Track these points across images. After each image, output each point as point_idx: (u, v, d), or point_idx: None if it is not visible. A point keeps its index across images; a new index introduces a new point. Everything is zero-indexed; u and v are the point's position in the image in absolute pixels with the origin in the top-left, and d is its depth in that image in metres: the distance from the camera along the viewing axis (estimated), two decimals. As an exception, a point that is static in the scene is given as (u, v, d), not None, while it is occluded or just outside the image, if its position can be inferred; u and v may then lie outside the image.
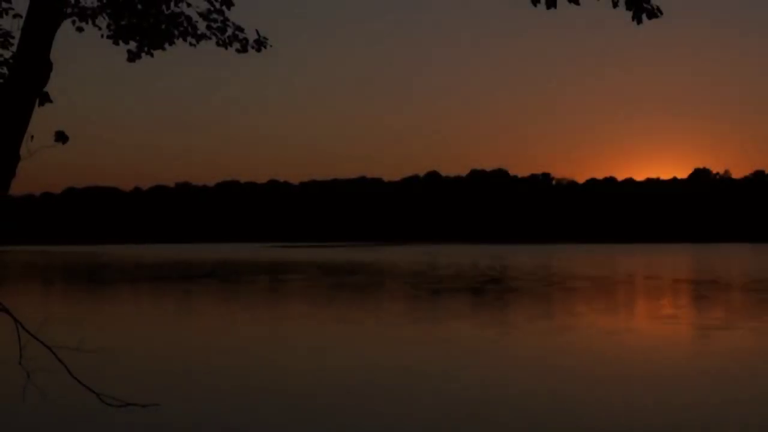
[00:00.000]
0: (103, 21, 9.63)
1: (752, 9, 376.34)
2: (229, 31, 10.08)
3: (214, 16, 9.93)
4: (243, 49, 10.17)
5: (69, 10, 9.57)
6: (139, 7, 9.33)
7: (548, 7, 7.98)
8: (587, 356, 22.76)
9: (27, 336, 7.54)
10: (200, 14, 9.86)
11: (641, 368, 20.73)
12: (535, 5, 7.98)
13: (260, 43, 10.24)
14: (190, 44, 9.99)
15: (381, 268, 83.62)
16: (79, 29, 9.73)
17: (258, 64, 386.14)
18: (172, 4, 9.62)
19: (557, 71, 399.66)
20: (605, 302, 40.52)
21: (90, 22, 9.68)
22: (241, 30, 10.15)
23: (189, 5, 9.75)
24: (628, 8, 7.85)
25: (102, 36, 9.69)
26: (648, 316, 33.39)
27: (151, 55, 9.84)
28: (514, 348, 24.40)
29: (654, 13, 7.85)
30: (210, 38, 10.04)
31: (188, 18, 9.80)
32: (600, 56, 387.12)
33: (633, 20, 7.89)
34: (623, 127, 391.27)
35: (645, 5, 7.83)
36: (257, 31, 10.25)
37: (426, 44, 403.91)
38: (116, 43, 9.64)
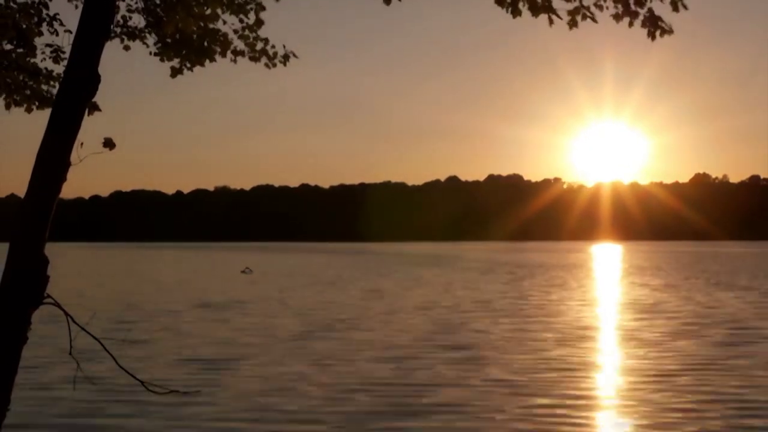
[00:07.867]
0: (151, 39, 9.58)
1: (751, 22, 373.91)
2: (259, 46, 9.97)
3: (246, 32, 9.85)
4: (271, 64, 10.04)
5: (118, 30, 9.55)
6: (180, 26, 9.26)
7: (570, 28, 7.82)
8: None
9: (76, 328, 7.58)
10: (234, 31, 9.79)
11: None
12: (551, 24, 7.78)
13: (286, 57, 10.10)
14: (231, 60, 9.90)
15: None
16: (126, 48, 9.69)
17: (288, 75, 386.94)
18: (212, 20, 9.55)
19: (565, 81, 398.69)
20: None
21: (137, 40, 9.63)
22: (272, 46, 10.02)
23: (225, 22, 9.69)
24: (644, 26, 7.73)
25: (150, 54, 9.63)
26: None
27: (192, 71, 9.78)
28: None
29: (667, 31, 7.76)
30: (247, 54, 9.94)
31: (224, 35, 9.72)
32: (603, 67, 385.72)
33: (648, 37, 7.78)
34: (628, 135, 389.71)
35: (660, 24, 7.74)
36: (284, 46, 10.13)
37: (446, 54, 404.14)
38: (162, 59, 9.59)
